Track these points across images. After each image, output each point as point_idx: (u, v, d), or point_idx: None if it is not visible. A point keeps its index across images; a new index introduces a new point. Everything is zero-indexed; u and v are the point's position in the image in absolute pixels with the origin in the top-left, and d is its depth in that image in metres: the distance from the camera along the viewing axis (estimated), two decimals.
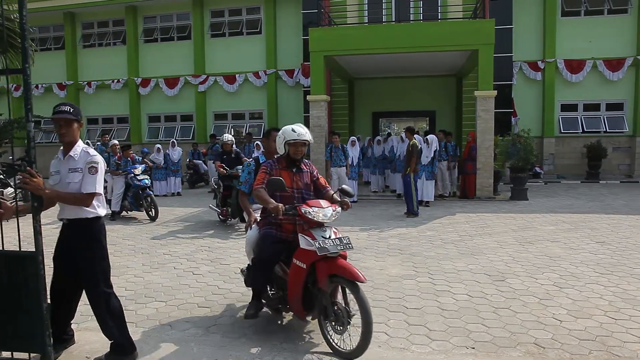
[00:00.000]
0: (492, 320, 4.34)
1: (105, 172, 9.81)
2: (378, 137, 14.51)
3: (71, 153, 3.42)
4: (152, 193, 10.03)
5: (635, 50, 16.33)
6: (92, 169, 3.39)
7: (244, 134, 17.51)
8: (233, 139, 9.49)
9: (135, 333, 4.22)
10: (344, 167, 11.62)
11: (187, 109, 19.69)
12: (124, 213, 10.47)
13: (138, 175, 9.93)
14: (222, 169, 8.93)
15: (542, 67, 16.91)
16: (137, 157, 10.69)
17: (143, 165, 10.46)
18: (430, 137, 11.31)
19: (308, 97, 13.27)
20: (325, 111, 13.02)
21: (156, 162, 14.23)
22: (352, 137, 12.69)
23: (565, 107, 17.21)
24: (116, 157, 10.46)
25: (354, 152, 12.20)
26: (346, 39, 12.93)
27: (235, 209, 8.74)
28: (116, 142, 11.06)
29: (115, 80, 19.92)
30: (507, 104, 16.17)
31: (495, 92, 12.17)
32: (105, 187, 11.14)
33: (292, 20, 18.19)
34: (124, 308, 4.78)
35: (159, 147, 14.67)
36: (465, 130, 15.59)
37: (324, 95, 12.91)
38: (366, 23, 15.68)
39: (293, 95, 18.48)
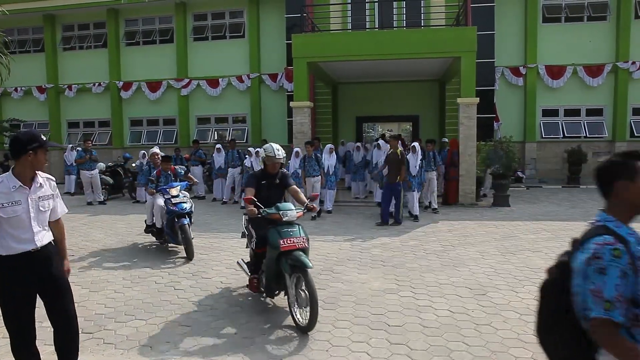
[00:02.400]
0: (473, 337, 4.36)
1: (141, 187, 7.93)
2: (358, 144, 14.16)
3: (40, 181, 3.38)
4: (187, 222, 7.32)
5: (614, 56, 16.60)
6: (57, 192, 3.56)
7: (228, 139, 17.40)
8: (284, 155, 5.34)
9: (113, 355, 4.17)
10: (318, 177, 11.02)
11: (169, 112, 19.50)
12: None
13: (174, 197, 7.55)
14: (253, 208, 4.94)
15: (524, 73, 17.10)
16: (179, 171, 8.22)
17: (183, 184, 7.89)
18: (417, 144, 10.84)
19: (291, 104, 13.23)
20: (308, 117, 12.99)
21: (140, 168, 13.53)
22: (328, 145, 12.01)
23: (546, 112, 17.42)
24: (156, 170, 8.17)
25: (330, 161, 11.60)
26: (329, 45, 12.91)
27: (273, 281, 4.94)
28: (157, 150, 8.47)
29: (97, 84, 19.64)
30: (490, 109, 16.31)
31: (477, 100, 12.26)
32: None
33: (276, 25, 18.13)
34: (103, 327, 4.78)
35: (144, 153, 14.15)
36: (449, 135, 15.68)
37: (307, 101, 12.88)
38: (350, 29, 15.70)
39: (277, 99, 18.42)
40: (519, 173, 16.42)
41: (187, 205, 7.48)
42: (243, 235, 5.74)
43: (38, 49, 20.35)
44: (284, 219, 4.83)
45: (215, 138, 18.98)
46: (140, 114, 19.79)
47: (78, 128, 20.45)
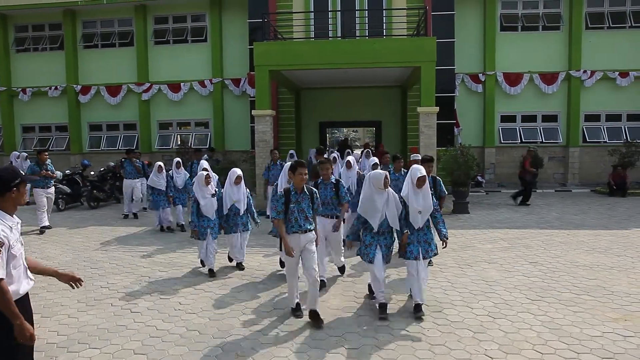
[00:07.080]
0: (427, 359, 4.45)
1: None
2: (334, 154, 12.30)
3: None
4: None
5: (567, 65, 17.22)
6: None
7: (191, 146, 17.10)
8: None
9: None
10: (313, 234, 5.53)
11: (130, 117, 19.10)
12: None
13: None
14: None
15: (483, 80, 17.53)
16: None
17: None
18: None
19: (253, 112, 13.15)
20: (270, 126, 12.95)
21: (157, 186, 10.67)
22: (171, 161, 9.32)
23: (504, 118, 17.91)
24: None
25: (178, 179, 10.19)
26: (291, 53, 12.91)
27: None
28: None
29: (53, 87, 19.05)
30: (450, 114, 16.64)
31: (437, 109, 12.48)
32: None
33: (238, 29, 18.00)
34: (54, 358, 4.65)
35: (160, 165, 10.78)
36: (410, 141, 15.94)
37: (268, 110, 12.83)
38: (312, 38, 15.73)
39: (239, 104, 18.29)
40: (478, 178, 16.85)
41: None
42: None
43: None
44: None
45: (178, 143, 18.72)
46: (100, 118, 19.31)
47: (33, 133, 19.80)
